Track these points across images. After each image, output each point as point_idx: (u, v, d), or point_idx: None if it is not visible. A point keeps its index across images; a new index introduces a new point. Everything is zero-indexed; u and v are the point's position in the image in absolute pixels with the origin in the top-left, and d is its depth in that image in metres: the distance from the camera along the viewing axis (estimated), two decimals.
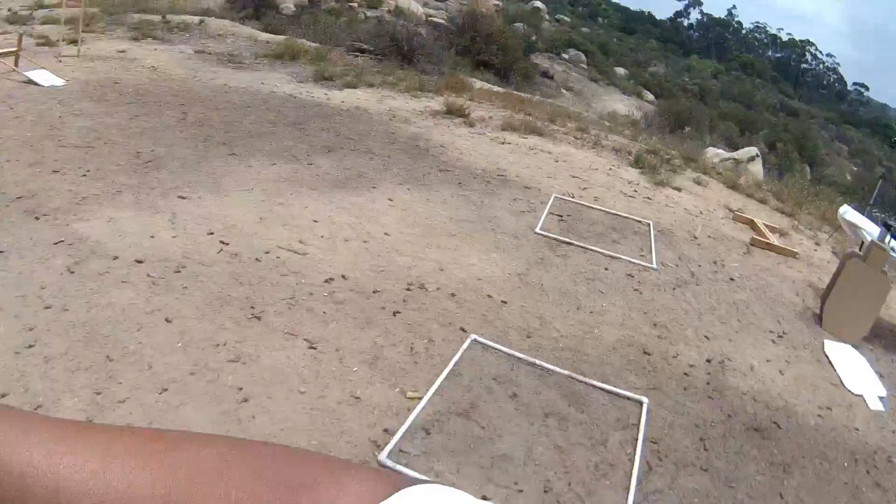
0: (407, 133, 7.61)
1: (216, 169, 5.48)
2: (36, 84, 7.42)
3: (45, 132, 5.96)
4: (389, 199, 5.46)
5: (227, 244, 4.17)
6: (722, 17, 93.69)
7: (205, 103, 7.37)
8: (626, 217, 6.31)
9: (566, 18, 55.56)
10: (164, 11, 12.58)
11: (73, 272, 3.53)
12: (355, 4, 22.84)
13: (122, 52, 9.67)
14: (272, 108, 7.55)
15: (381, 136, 7.31)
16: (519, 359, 3.54)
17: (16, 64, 8.02)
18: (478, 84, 11.68)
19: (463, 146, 7.51)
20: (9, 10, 12.35)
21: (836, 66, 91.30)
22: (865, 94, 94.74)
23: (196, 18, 12.05)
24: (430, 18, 25.15)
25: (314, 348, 3.29)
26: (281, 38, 11.88)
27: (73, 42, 9.77)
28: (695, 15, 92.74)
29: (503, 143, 7.99)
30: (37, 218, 4.09)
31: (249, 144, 6.22)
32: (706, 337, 4.37)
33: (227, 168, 5.54)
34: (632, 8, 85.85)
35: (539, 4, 48.17)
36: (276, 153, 6.09)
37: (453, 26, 19.93)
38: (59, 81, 7.56)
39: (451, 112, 8.71)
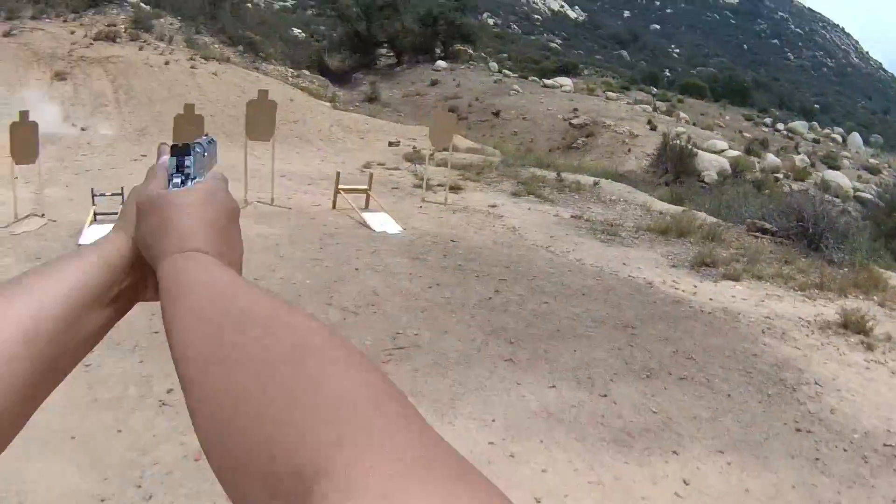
0: (774, 357, 6.13)
1: (470, 379, 4.99)
2: (367, 227, 8.21)
3: (324, 284, 6.37)
4: (684, 482, 4.19)
5: None
6: None
7: (531, 283, 7.11)
8: None
9: None
10: (566, 169, 13.26)
11: None
12: (781, 175, 21.50)
13: (493, 206, 10.27)
14: (610, 301, 6.89)
15: (736, 358, 5.99)
16: None
17: (366, 203, 9.08)
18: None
19: (849, 385, 5.71)
20: (413, 147, 14.56)
21: None
22: None
23: (592, 180, 12.34)
24: (857, 193, 23.68)
25: None
26: (678, 209, 11.33)
27: (453, 189, 10.78)
28: None
29: None
30: None
31: (543, 350, 5.61)
32: None
33: (484, 380, 4.99)
34: None
35: None
36: (569, 369, 5.35)
37: (882, 203, 17.14)
38: (394, 229, 8.21)
39: (848, 325, 6.94)
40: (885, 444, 4.93)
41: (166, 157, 0.70)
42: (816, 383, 5.72)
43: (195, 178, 0.69)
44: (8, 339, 0.52)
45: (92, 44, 18.78)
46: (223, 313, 0.48)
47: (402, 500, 0.29)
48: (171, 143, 0.73)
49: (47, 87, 16.08)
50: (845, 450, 4.76)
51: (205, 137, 0.78)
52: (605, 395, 5.02)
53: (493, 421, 4.50)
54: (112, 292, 0.64)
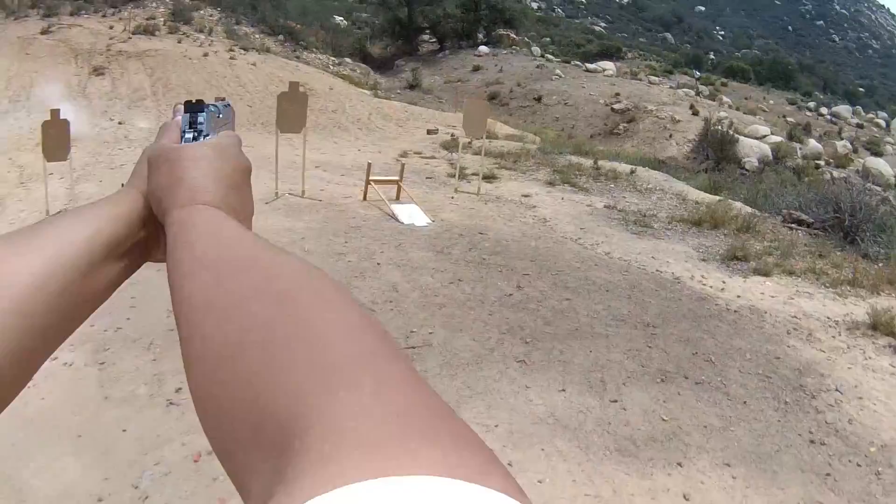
0: (797, 360, 5.77)
1: (479, 381, 4.78)
2: (396, 219, 8.02)
3: (345, 279, 6.20)
4: (685, 497, 3.93)
5: None
6: None
7: (556, 277, 6.85)
8: None
9: None
10: (603, 156, 12.91)
11: None
12: (821, 162, 20.67)
13: (527, 196, 9.99)
14: (634, 298, 6.59)
15: (757, 361, 5.66)
16: None
17: (397, 195, 8.89)
18: None
19: (871, 392, 5.34)
20: (451, 135, 14.30)
21: None
22: None
23: (629, 168, 11.96)
24: None
25: None
26: (714, 198, 10.91)
27: (488, 178, 10.54)
28: None
29: None
30: None
31: (558, 350, 5.38)
32: None
33: (493, 383, 4.78)
34: None
35: None
36: (582, 371, 5.10)
37: None
38: (422, 221, 8.01)
39: (877, 326, 6.50)
40: None
41: (178, 117, 0.70)
42: (837, 390, 5.39)
43: (207, 135, 0.68)
44: (21, 287, 0.50)
45: (130, 38, 18.90)
46: (224, 261, 0.47)
47: (395, 457, 0.26)
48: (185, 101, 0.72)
49: (85, 83, 16.16)
50: (859, 465, 4.45)
51: (220, 101, 0.77)
52: (616, 401, 4.77)
53: (497, 427, 4.30)
54: (125, 245, 0.62)
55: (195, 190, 0.60)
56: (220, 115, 0.73)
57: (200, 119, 0.69)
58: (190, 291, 0.45)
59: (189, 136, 0.68)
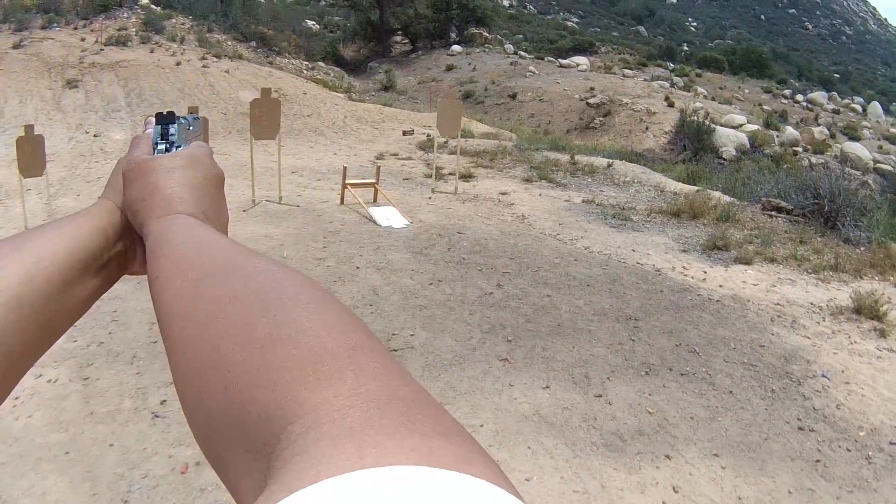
0: (781, 347, 5.80)
1: (462, 381, 4.77)
2: (373, 222, 7.99)
3: (326, 283, 6.14)
4: (674, 489, 3.93)
5: None
6: None
7: (535, 274, 6.85)
8: None
9: None
10: (580, 150, 12.94)
11: None
12: (799, 149, 20.87)
13: (504, 194, 9.99)
14: (615, 292, 6.60)
15: (742, 350, 5.69)
16: None
17: (375, 198, 8.86)
18: None
19: (858, 377, 5.37)
20: (427, 136, 14.27)
21: None
22: None
23: (605, 161, 11.99)
24: (877, 165, 23.11)
25: None
26: (692, 189, 10.96)
27: (465, 177, 10.53)
28: None
29: None
30: None
31: (540, 347, 5.37)
32: None
33: (476, 382, 4.77)
34: None
35: None
36: (565, 368, 5.10)
37: None
38: (399, 223, 7.99)
39: (861, 311, 6.55)
40: (891, 442, 4.62)
41: (150, 129, 0.71)
42: (824, 376, 5.42)
43: (179, 146, 0.69)
44: None
45: (102, 49, 18.74)
46: (202, 268, 0.47)
47: (375, 447, 0.26)
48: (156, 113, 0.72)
49: (59, 96, 15.99)
50: (849, 449, 4.48)
51: (192, 114, 0.77)
52: (601, 396, 4.77)
53: (482, 426, 4.29)
54: (102, 258, 0.62)
55: (170, 200, 0.61)
56: (191, 128, 0.74)
57: (172, 131, 0.69)
58: (170, 300, 0.46)
59: (161, 147, 0.68)
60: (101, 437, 3.97)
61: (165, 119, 0.70)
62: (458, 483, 0.24)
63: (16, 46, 17.91)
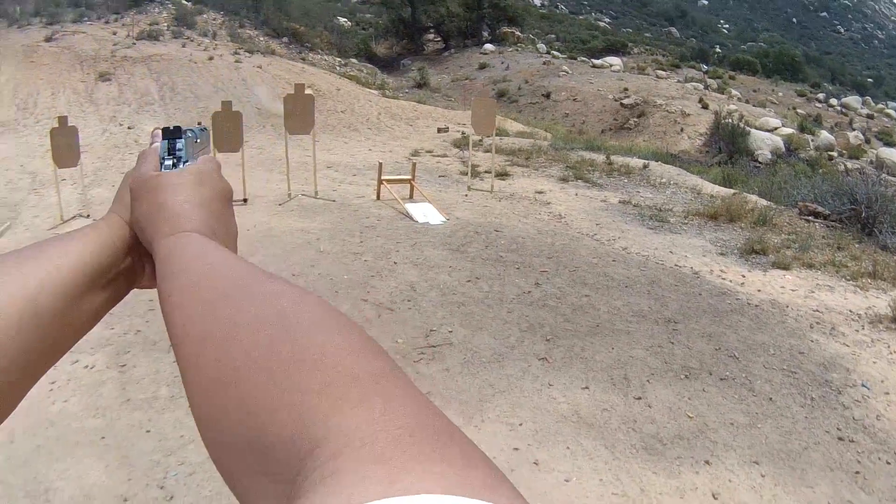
0: (821, 355, 5.67)
1: (501, 379, 4.71)
2: (410, 218, 7.95)
3: (362, 279, 6.15)
4: (713, 495, 3.84)
5: None
6: None
7: (574, 274, 6.77)
8: None
9: None
10: (615, 151, 12.79)
11: None
12: (834, 154, 20.48)
13: (541, 193, 9.91)
14: (653, 294, 6.50)
15: (781, 356, 5.56)
16: None
17: (411, 194, 8.82)
18: None
19: None
20: (462, 133, 14.21)
21: None
22: None
23: (641, 162, 11.84)
24: None
25: None
26: (729, 192, 10.78)
27: (501, 176, 10.46)
28: None
29: None
30: None
31: (580, 348, 5.30)
32: None
33: (516, 381, 4.71)
34: None
35: None
36: (604, 369, 5.02)
37: None
38: (437, 219, 7.94)
39: None
40: None
41: (157, 144, 0.69)
42: (864, 385, 5.28)
43: (186, 161, 0.68)
44: (3, 318, 0.49)
45: (134, 43, 18.86)
46: (215, 289, 0.46)
47: (406, 472, 0.26)
48: (162, 127, 0.71)
49: (91, 89, 16.11)
50: (888, 462, 4.35)
51: (198, 126, 0.77)
52: (640, 398, 4.69)
53: (521, 425, 4.24)
54: (110, 273, 0.62)
55: (178, 217, 0.61)
56: (198, 140, 0.73)
57: (179, 145, 0.68)
58: (183, 322, 0.45)
59: (168, 162, 0.67)
60: (138, 424, 3.98)
61: (172, 134, 0.69)
62: None
63: (48, 39, 18.12)
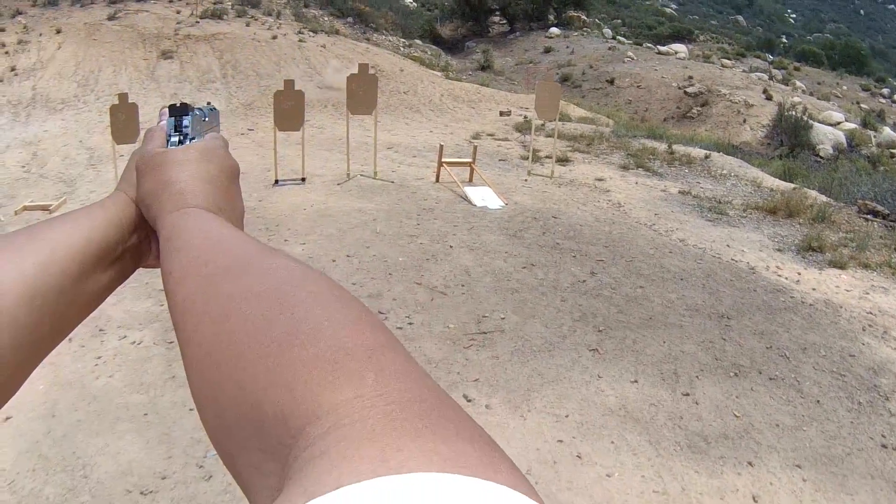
0: (871, 359, 5.36)
1: (550, 369, 4.58)
2: (468, 202, 7.81)
3: (416, 261, 6.05)
4: (754, 498, 3.65)
5: None
6: None
7: (630, 264, 6.55)
8: None
9: None
10: (677, 140, 12.39)
11: None
12: None
13: (601, 180, 9.65)
14: (708, 288, 6.24)
15: (831, 358, 5.28)
16: None
17: (470, 178, 8.67)
18: None
19: None
20: (525, 117, 13.94)
21: None
22: None
23: (703, 152, 11.42)
24: None
25: None
26: (789, 186, 10.32)
27: (561, 161, 10.23)
28: None
29: None
30: None
31: (631, 340, 5.11)
32: None
33: (565, 371, 4.57)
34: None
35: None
36: (655, 363, 4.83)
37: None
38: (495, 204, 7.79)
39: None
40: None
41: (164, 122, 0.67)
42: None
43: (193, 138, 0.66)
44: (12, 295, 0.47)
45: (198, 22, 18.79)
46: (216, 265, 0.45)
47: (397, 450, 0.25)
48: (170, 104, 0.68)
49: (153, 66, 16.17)
50: None
51: (206, 105, 0.74)
52: (688, 394, 4.50)
53: (567, 417, 4.11)
54: (117, 251, 0.60)
55: (183, 193, 0.59)
56: (206, 119, 0.71)
57: (185, 122, 0.66)
58: (183, 297, 0.44)
59: (175, 139, 0.65)
60: (181, 401, 3.94)
61: (179, 111, 0.67)
62: (482, 492, 0.22)
63: (110, 18, 18.18)
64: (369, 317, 0.37)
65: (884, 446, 4.30)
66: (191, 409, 3.86)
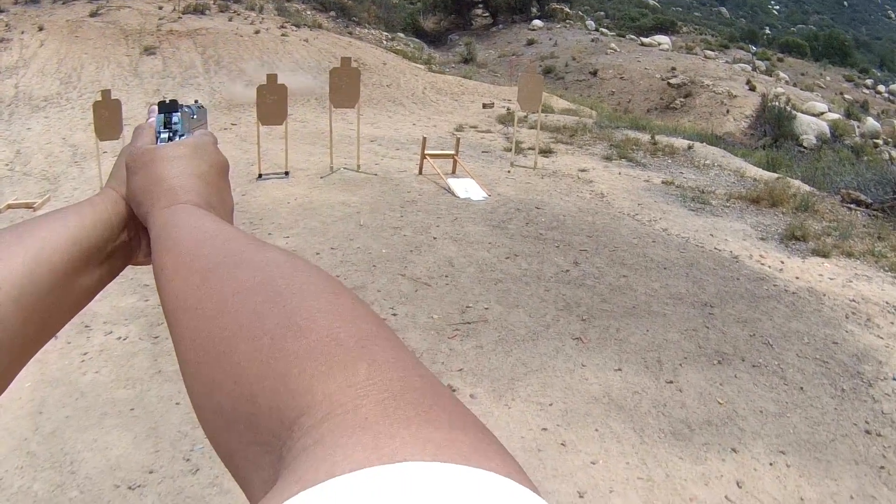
0: (854, 346, 5.46)
1: (534, 358, 4.62)
2: (452, 193, 7.84)
3: (400, 253, 6.08)
4: (738, 484, 3.73)
5: None
6: None
7: (613, 253, 6.61)
8: None
9: None
10: (660, 131, 12.47)
11: None
12: (880, 141, 19.77)
13: (584, 171, 9.71)
14: (691, 277, 6.31)
15: (815, 346, 5.37)
16: None
17: (453, 169, 8.70)
18: None
19: None
20: (507, 109, 13.98)
21: None
22: None
23: (686, 143, 11.52)
24: None
25: None
26: (772, 176, 10.43)
27: (544, 153, 10.28)
28: None
29: None
30: None
31: (614, 328, 5.17)
32: None
33: (548, 360, 4.61)
34: None
35: None
36: (638, 351, 4.89)
37: None
38: (478, 195, 7.83)
39: None
40: None
41: (154, 117, 0.68)
42: (895, 379, 5.08)
43: (182, 135, 0.66)
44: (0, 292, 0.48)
45: (180, 17, 18.67)
46: (208, 259, 0.45)
47: (390, 438, 0.25)
48: (159, 101, 0.69)
49: (136, 63, 16.05)
50: None
51: (194, 103, 0.74)
52: (672, 382, 4.56)
53: (551, 405, 4.15)
54: (107, 249, 0.60)
55: (174, 190, 0.59)
56: (195, 116, 0.72)
57: (175, 119, 0.67)
58: (176, 293, 0.44)
59: (164, 136, 0.66)
60: (168, 396, 3.95)
61: (168, 108, 0.67)
62: (474, 480, 0.22)
63: (93, 14, 17.97)
64: (361, 307, 0.37)
65: (867, 432, 4.38)
66: (177, 404, 3.87)
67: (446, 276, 5.68)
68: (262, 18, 19.97)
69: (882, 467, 4.06)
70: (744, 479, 3.79)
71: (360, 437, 0.25)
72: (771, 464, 3.95)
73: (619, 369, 4.62)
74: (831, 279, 6.86)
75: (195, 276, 0.44)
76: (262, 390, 0.32)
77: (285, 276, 0.40)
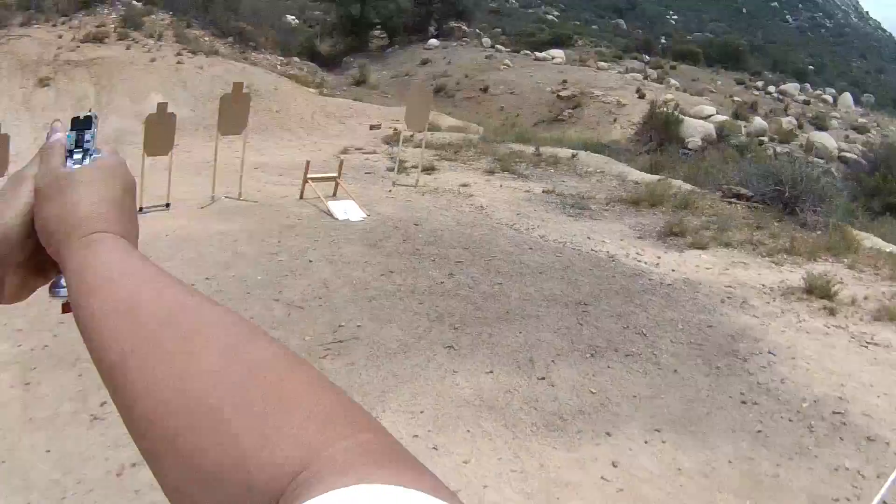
0: (730, 327, 5.95)
1: (405, 369, 4.82)
2: (331, 216, 8.02)
3: (275, 278, 6.19)
4: (613, 464, 4.03)
5: None
6: None
7: (489, 263, 6.91)
8: None
9: None
10: (546, 142, 13.01)
11: None
12: (765, 139, 21.31)
13: (465, 185, 10.04)
14: (567, 278, 6.68)
15: (689, 330, 5.81)
16: None
17: (335, 192, 8.88)
18: (870, 242, 9.24)
19: (804, 353, 5.57)
20: (394, 130, 14.29)
21: None
22: None
23: (570, 152, 12.08)
24: (842, 154, 24.74)
25: None
26: (654, 178, 11.08)
27: (427, 170, 10.57)
28: None
29: (868, 346, 5.88)
30: None
31: (487, 334, 5.43)
32: None
33: (420, 370, 4.82)
34: None
35: None
36: (510, 353, 5.17)
37: (866, 162, 17.43)
38: (357, 216, 8.02)
39: (812, 291, 6.78)
40: (833, 412, 4.76)
41: (59, 135, 0.64)
42: (770, 352, 5.55)
43: (93, 153, 0.64)
44: None
45: (79, 46, 18.30)
46: (149, 313, 0.46)
47: (370, 475, 0.32)
48: (70, 117, 0.67)
49: (29, 95, 15.70)
50: (790, 420, 4.62)
51: (90, 111, 0.72)
52: (544, 378, 4.85)
53: (422, 412, 4.36)
54: None
55: (92, 218, 0.57)
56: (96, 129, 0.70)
57: (88, 137, 0.64)
58: (118, 346, 0.45)
59: (78, 156, 0.63)
60: (39, 444, 3.91)
61: (82, 124, 0.65)
62: (427, 500, 0.31)
63: None
64: (321, 375, 0.42)
65: (743, 402, 4.78)
66: (48, 451, 3.83)
67: (320, 298, 5.83)
68: (160, 46, 19.74)
69: (759, 431, 4.46)
70: (619, 459, 4.08)
71: (347, 474, 0.32)
72: (646, 442, 4.27)
73: (491, 372, 4.87)
74: (708, 269, 7.37)
75: (140, 332, 0.44)
76: (256, 457, 0.35)
77: (248, 347, 0.43)
